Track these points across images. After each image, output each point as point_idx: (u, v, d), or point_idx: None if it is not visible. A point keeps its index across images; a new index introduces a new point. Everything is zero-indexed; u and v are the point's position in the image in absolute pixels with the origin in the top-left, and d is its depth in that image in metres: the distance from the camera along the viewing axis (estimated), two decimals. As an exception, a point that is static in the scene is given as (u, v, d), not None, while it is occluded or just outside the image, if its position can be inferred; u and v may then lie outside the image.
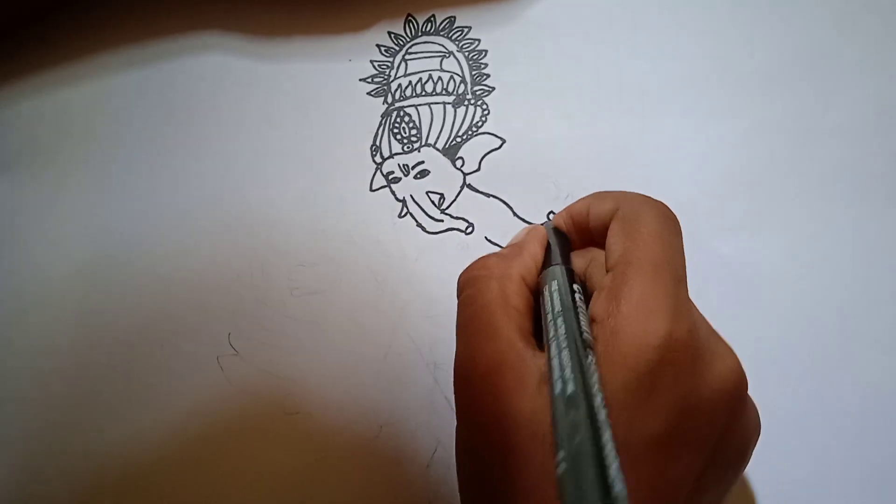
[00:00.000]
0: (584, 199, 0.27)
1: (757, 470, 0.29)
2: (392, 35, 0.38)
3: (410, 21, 0.38)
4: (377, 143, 0.36)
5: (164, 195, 0.36)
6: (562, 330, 0.21)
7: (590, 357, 0.20)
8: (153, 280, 0.35)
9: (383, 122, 0.36)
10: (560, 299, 0.23)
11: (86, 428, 0.32)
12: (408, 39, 0.38)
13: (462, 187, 0.35)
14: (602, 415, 0.18)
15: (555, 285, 0.24)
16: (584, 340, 0.21)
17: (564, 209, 0.28)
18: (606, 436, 0.17)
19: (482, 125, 0.36)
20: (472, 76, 0.37)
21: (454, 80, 0.37)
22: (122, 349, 0.33)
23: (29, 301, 0.35)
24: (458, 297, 0.26)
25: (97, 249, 0.36)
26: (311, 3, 0.39)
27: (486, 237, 0.34)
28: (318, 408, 0.32)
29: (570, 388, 0.19)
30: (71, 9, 0.40)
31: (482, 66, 0.37)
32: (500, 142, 0.35)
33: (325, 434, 0.31)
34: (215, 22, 0.39)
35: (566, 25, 0.37)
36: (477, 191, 0.35)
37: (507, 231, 0.34)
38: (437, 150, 0.36)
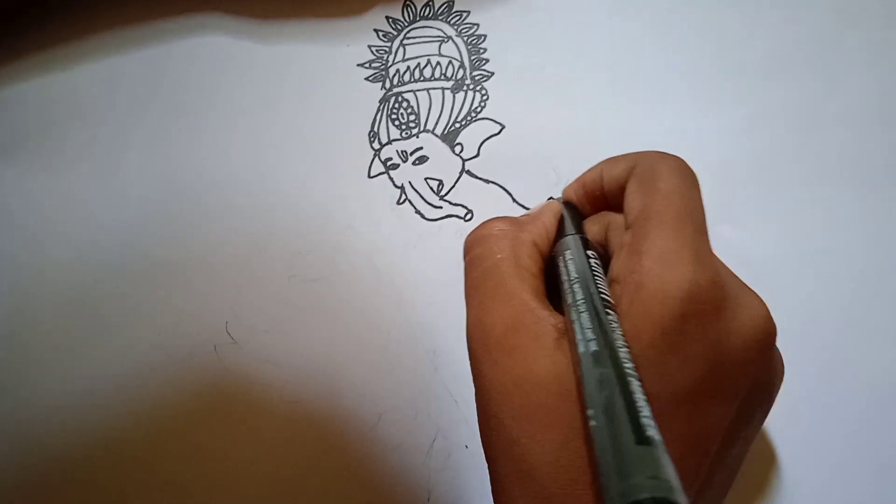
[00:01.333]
0: (595, 166, 0.27)
1: (764, 468, 0.29)
2: (390, 19, 0.38)
3: (409, 5, 0.38)
4: (375, 129, 0.36)
5: (160, 181, 0.36)
6: (579, 295, 0.21)
7: (610, 315, 0.20)
8: (149, 267, 0.34)
9: (381, 107, 0.36)
10: (575, 265, 0.23)
11: (84, 416, 0.32)
12: (406, 24, 0.38)
13: (461, 173, 0.35)
14: (628, 366, 0.18)
15: (569, 254, 0.24)
16: (602, 300, 0.21)
17: (575, 180, 0.28)
18: (635, 385, 0.17)
19: (481, 111, 0.35)
20: (470, 61, 0.36)
21: (453, 65, 0.36)
22: (119, 338, 0.33)
23: (24, 288, 0.35)
24: (465, 256, 0.25)
25: (93, 236, 0.35)
26: (308, -12, 0.39)
27: (485, 224, 0.34)
28: (317, 396, 0.31)
29: (594, 346, 0.19)
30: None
31: (481, 50, 0.37)
32: (499, 127, 0.35)
33: (324, 422, 0.31)
34: (213, 4, 0.39)
35: (566, 11, 0.37)
36: (476, 177, 0.34)
37: (506, 217, 0.33)
38: (436, 135, 0.35)
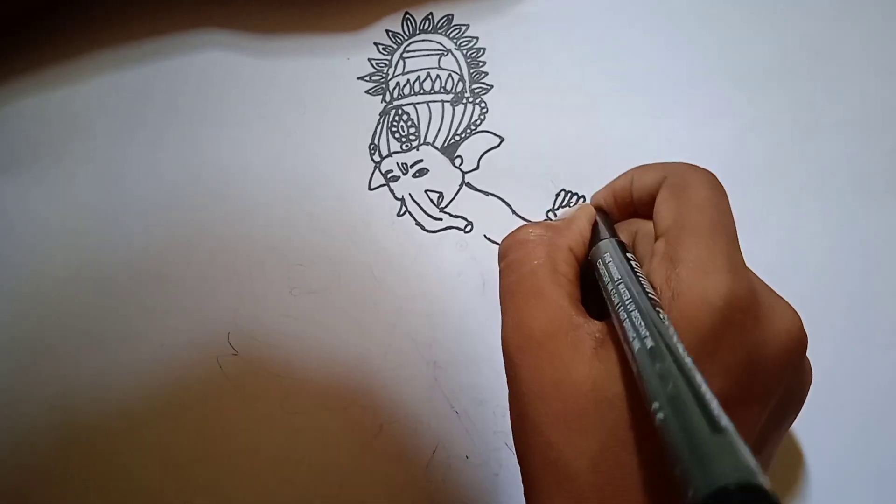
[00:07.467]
0: (625, 173, 0.27)
1: (793, 468, 0.29)
2: (390, 33, 0.38)
3: (408, 19, 0.38)
4: (376, 142, 0.36)
5: (162, 194, 0.36)
6: (626, 295, 0.21)
7: (660, 312, 0.20)
8: (152, 279, 0.34)
9: (382, 120, 0.36)
10: (617, 268, 0.23)
11: (85, 427, 0.32)
12: (406, 37, 0.38)
13: (461, 186, 0.35)
14: (688, 360, 0.18)
15: (608, 257, 0.24)
16: (650, 299, 0.21)
17: (605, 186, 0.28)
18: (699, 378, 0.17)
19: (481, 123, 0.36)
20: (470, 74, 0.37)
21: (452, 78, 0.37)
22: (122, 351, 0.33)
23: (28, 301, 0.35)
24: (501, 261, 0.26)
25: (96, 249, 0.35)
26: (309, 2, 0.39)
27: (484, 235, 0.34)
28: (318, 407, 0.32)
29: (650, 343, 0.19)
30: (68, 8, 0.40)
31: (480, 63, 0.37)
32: (498, 140, 0.35)
33: (324, 434, 0.31)
34: (213, 20, 0.39)
35: (564, 22, 0.37)
36: (476, 189, 0.35)
37: (505, 229, 0.33)
38: (436, 148, 0.36)
